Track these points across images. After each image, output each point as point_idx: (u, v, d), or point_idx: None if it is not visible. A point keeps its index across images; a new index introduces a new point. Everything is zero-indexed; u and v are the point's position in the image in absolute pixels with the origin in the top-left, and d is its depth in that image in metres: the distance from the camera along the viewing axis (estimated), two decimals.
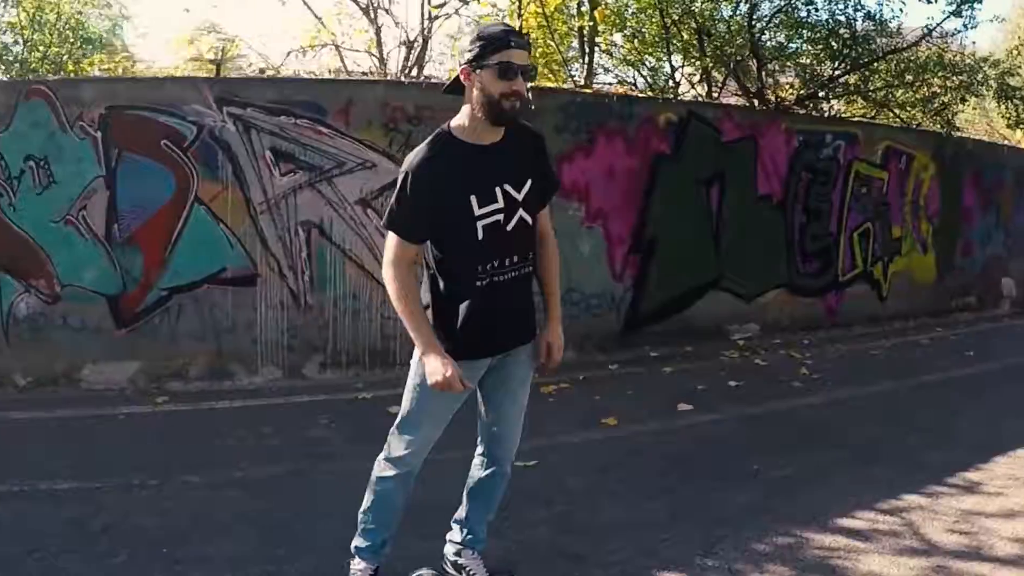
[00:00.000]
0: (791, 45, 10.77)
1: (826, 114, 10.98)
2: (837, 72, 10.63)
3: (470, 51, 2.78)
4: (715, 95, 10.68)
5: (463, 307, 2.95)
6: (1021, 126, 12.50)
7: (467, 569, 3.36)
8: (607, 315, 8.16)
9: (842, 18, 10.37)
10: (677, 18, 10.29)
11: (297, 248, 6.95)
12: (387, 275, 2.89)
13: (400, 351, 7.13)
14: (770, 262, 9.27)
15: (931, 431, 5.91)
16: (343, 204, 6.99)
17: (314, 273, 6.99)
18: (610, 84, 11.16)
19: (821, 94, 10.81)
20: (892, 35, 11.01)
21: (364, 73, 9.31)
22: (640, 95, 10.31)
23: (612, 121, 8.03)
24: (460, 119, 2.90)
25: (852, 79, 10.83)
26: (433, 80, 7.91)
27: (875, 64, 10.85)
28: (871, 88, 11.14)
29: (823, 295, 9.83)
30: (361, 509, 3.21)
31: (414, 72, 9.46)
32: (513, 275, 3.00)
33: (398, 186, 2.83)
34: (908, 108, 11.74)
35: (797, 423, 6.09)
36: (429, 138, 2.88)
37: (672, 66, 11.05)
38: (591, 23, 9.32)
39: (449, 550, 3.43)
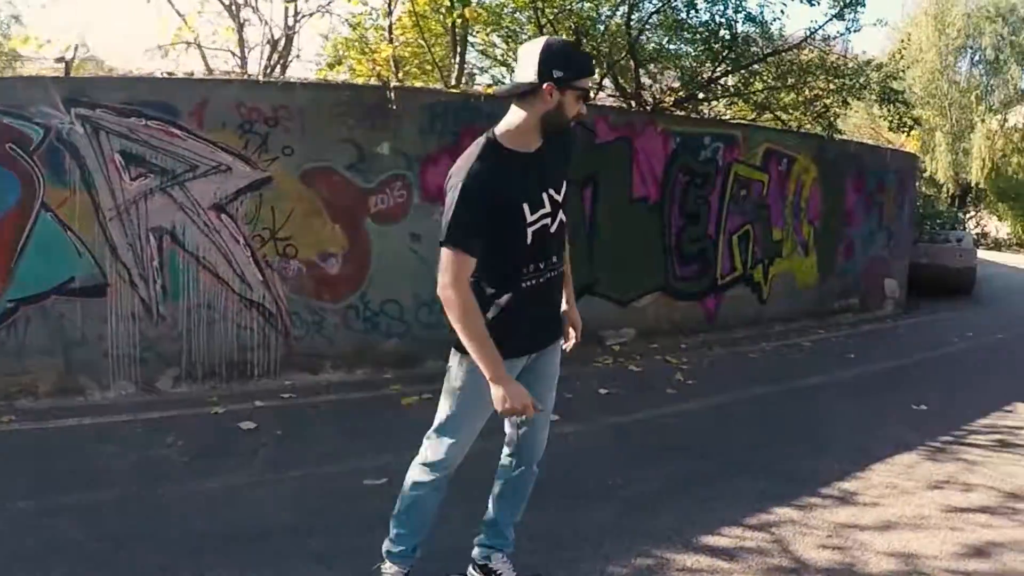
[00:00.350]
0: (671, 47, 10.96)
1: (706, 116, 11.17)
2: (717, 74, 10.84)
3: (562, 71, 2.86)
4: (592, 96, 10.78)
5: (507, 309, 3.07)
6: (903, 129, 12.89)
7: (497, 572, 3.51)
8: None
9: (722, 20, 10.58)
10: (553, 17, 10.36)
11: (148, 256, 6.78)
12: (449, 296, 2.90)
13: (257, 363, 7.06)
14: (646, 266, 9.46)
15: (807, 438, 6.06)
16: (196, 209, 6.87)
17: (167, 282, 6.85)
18: (489, 85, 11.15)
19: (701, 96, 11.01)
20: (773, 38, 11.29)
21: (226, 73, 9.17)
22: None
23: (480, 122, 7.98)
24: (508, 127, 2.99)
25: (732, 81, 11.05)
26: (292, 80, 7.80)
27: (756, 66, 11.10)
28: (752, 90, 11.40)
29: (702, 298, 10.08)
30: (394, 514, 3.36)
31: (277, 72, 9.34)
32: (551, 275, 3.16)
33: (454, 201, 2.86)
34: (791, 111, 12.04)
35: (667, 432, 6.18)
36: (477, 148, 2.94)
37: None
38: (459, 18, 9.29)
39: (478, 553, 3.58)
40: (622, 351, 8.87)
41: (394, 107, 7.45)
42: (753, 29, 10.94)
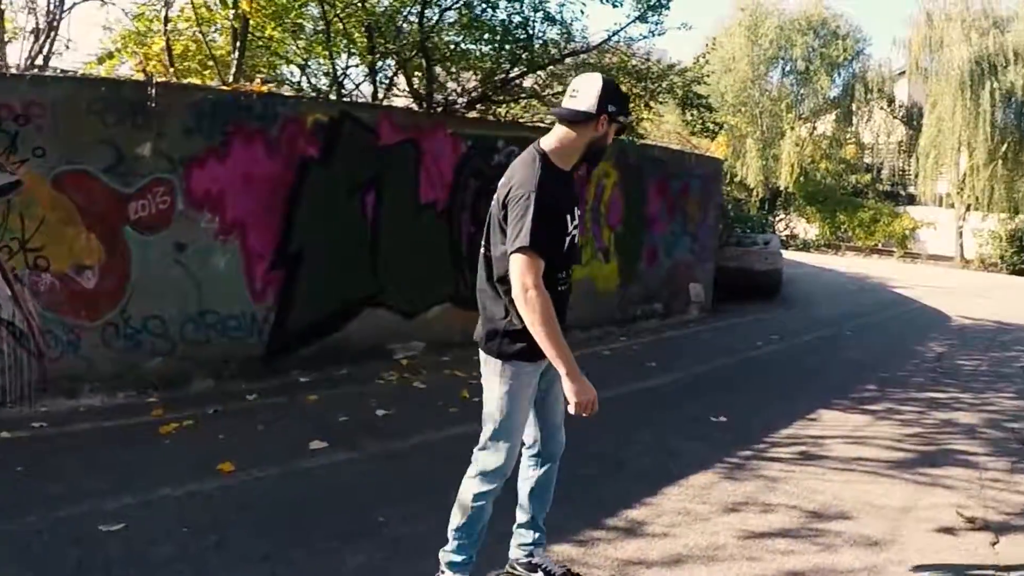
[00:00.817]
0: (467, 46, 10.77)
1: (503, 119, 11.04)
2: (514, 75, 10.72)
3: (614, 105, 3.49)
4: (383, 96, 10.49)
5: None
6: (706, 134, 13.15)
7: (543, 567, 3.90)
8: (248, 338, 7.78)
9: (519, 19, 10.45)
10: (341, 11, 10.01)
11: None
12: (532, 297, 3.27)
13: (8, 388, 6.50)
14: (434, 275, 9.24)
15: (596, 459, 5.89)
16: None
17: None
18: (267, 83, 10.68)
19: (498, 98, 10.87)
20: (574, 38, 11.28)
21: None
22: (287, 94, 9.96)
23: (252, 122, 7.64)
24: (558, 145, 3.54)
25: (529, 82, 10.96)
26: (43, 74, 7.19)
27: (557, 68, 11.05)
28: (552, 93, 11.34)
29: None
30: (454, 527, 3.67)
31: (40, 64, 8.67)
32: (570, 283, 3.71)
33: (529, 208, 3.30)
34: None
35: (444, 459, 5.68)
36: (536, 161, 3.45)
37: (334, 64, 10.72)
38: (235, 10, 8.83)
39: (519, 554, 3.95)
40: (410, 366, 8.63)
41: (155, 105, 6.95)
42: (554, 30, 10.89)
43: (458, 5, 10.36)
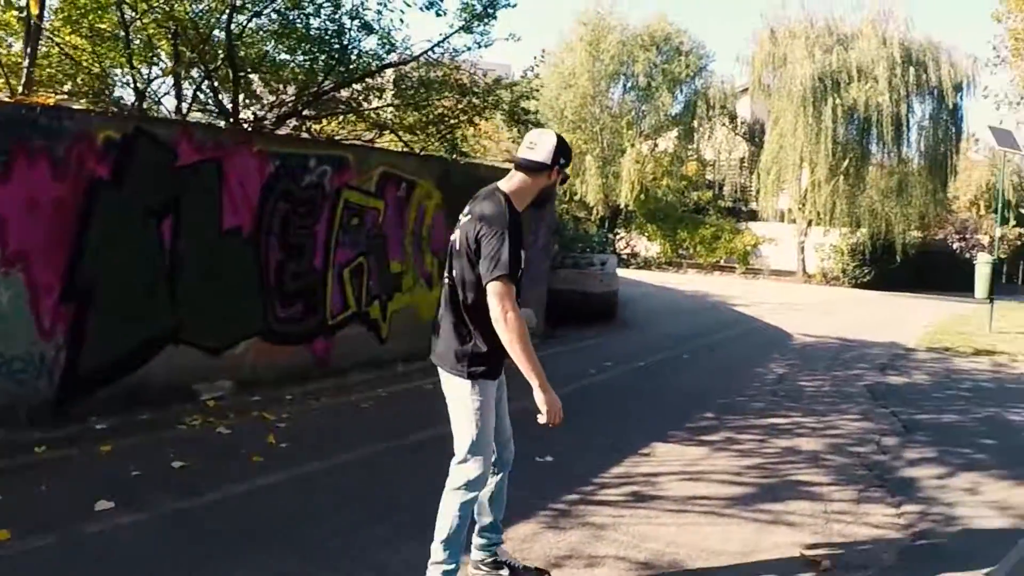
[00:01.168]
0: (279, 56, 10.42)
1: (316, 135, 10.71)
2: (327, 86, 10.41)
3: (564, 159, 4.25)
4: (187, 110, 10.02)
5: (496, 338, 4.00)
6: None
7: (508, 562, 4.56)
8: (36, 381, 7.21)
9: (335, 27, 10.15)
10: (142, 14, 9.47)
11: None
12: (511, 319, 3.90)
13: None
14: (241, 307, 8.85)
15: (408, 510, 5.53)
16: None
17: None
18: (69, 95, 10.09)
19: (311, 112, 10.54)
20: (397, 48, 11.05)
21: None
22: (76, 107, 9.39)
23: (36, 139, 7.09)
24: (514, 189, 4.23)
25: (345, 95, 10.68)
26: None
27: (376, 82, 10.80)
28: (370, 108, 11.08)
29: (309, 341, 9.60)
30: (443, 539, 4.15)
31: None
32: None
33: (504, 243, 3.93)
34: (418, 131, 11.85)
35: (243, 518, 5.45)
36: (503, 202, 4.12)
37: (135, 75, 10.19)
38: (21, 13, 8.25)
39: (482, 555, 4.55)
40: (216, 408, 8.14)
41: None
42: (372, 39, 10.66)
43: (268, 11, 10.00)
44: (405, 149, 11.54)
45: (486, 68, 14.12)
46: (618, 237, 36.78)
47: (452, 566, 4.15)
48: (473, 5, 11.44)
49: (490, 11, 11.55)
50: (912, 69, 33.61)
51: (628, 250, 39.27)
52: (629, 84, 39.96)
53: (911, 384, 11.96)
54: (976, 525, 6.02)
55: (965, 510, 6.31)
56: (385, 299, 10.48)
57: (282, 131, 10.15)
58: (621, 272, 20.36)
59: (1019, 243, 45.83)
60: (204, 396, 8.36)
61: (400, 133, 11.73)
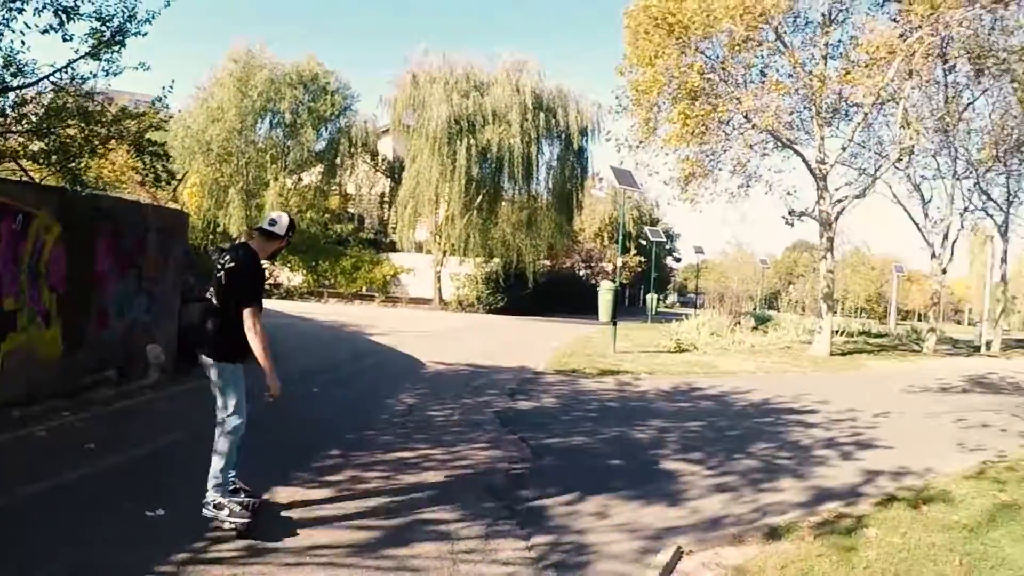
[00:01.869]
0: None
1: None
2: None
3: (292, 231, 6.69)
4: None
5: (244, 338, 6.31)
6: (159, 183, 12.77)
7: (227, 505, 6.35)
8: None
9: None
10: None
11: None
12: (260, 330, 6.23)
13: None
14: None
15: None
16: None
17: None
18: None
19: None
20: (24, 72, 10.51)
21: None
22: None
23: None
24: (258, 247, 6.53)
25: None
26: None
27: None
28: None
29: None
30: (220, 468, 6.32)
31: None
32: None
33: (257, 280, 6.43)
34: (40, 160, 11.25)
35: None
36: (248, 247, 6.48)
37: None
38: None
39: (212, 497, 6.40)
40: None
41: None
42: None
43: None
44: (25, 179, 10.90)
45: (140, 100, 13.71)
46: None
47: (231, 485, 6.46)
48: (102, 31, 11.12)
49: (119, 38, 11.23)
50: (543, 114, 36.77)
51: (272, 280, 39.37)
52: (276, 120, 40.57)
53: (540, 408, 12.60)
54: (607, 551, 6.23)
55: (595, 536, 6.54)
56: None
57: None
58: (264, 303, 20.10)
59: (639, 270, 51.09)
60: None
61: (20, 162, 11.08)
